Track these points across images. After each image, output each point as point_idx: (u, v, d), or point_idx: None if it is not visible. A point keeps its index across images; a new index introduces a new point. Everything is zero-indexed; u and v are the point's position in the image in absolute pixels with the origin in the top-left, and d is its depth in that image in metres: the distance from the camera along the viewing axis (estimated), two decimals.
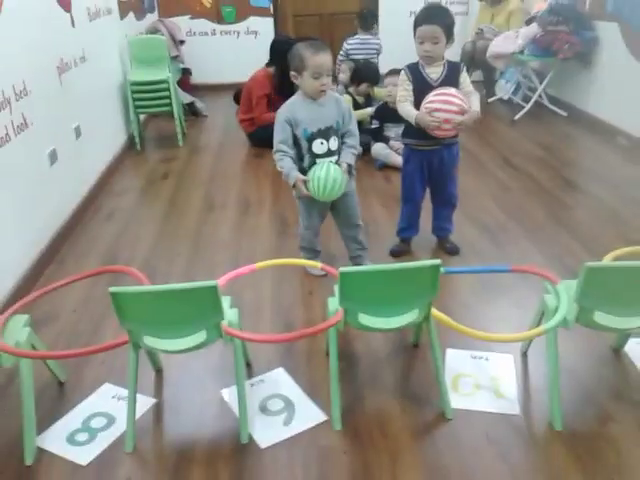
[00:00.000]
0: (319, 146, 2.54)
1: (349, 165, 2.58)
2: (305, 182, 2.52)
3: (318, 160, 2.54)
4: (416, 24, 2.61)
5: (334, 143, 2.56)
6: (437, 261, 1.75)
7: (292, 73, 2.51)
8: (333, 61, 2.60)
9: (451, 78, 2.68)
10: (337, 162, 2.57)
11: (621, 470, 1.73)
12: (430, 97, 2.60)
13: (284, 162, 2.54)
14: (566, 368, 2.06)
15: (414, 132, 2.72)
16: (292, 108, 2.54)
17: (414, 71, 2.70)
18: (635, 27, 4.37)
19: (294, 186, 2.56)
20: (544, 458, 1.77)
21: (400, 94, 2.75)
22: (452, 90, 2.60)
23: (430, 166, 2.82)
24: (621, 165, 4.18)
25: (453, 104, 2.55)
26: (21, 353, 1.83)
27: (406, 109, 2.71)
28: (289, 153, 2.54)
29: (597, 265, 1.72)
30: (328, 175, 2.47)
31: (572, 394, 2.01)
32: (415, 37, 2.62)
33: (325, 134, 2.53)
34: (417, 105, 2.67)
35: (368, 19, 5.53)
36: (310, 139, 2.53)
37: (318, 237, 2.88)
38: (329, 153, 2.56)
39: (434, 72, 2.67)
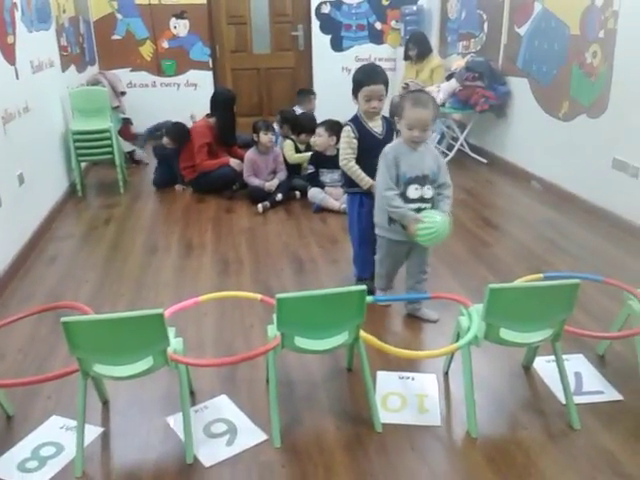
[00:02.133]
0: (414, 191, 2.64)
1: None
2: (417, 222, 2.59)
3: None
4: (362, 84, 2.81)
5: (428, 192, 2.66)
6: (363, 287, 1.98)
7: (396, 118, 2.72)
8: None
9: (390, 132, 2.93)
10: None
11: (529, 470, 1.96)
12: None
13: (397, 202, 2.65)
14: (482, 383, 2.31)
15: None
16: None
17: (359, 126, 2.88)
18: (541, 83, 4.87)
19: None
20: (461, 461, 2.00)
21: (347, 153, 2.90)
22: None
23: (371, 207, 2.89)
24: (535, 207, 4.59)
25: None
26: None
27: (357, 173, 2.89)
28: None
29: (498, 286, 1.98)
30: (444, 226, 2.58)
31: (487, 405, 2.25)
32: (359, 96, 2.82)
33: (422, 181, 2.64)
34: (363, 159, 2.85)
35: (306, 95, 5.88)
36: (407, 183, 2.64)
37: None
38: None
39: (376, 126, 2.89)
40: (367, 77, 2.82)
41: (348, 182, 3.02)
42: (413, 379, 2.43)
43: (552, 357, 2.22)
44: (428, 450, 2.04)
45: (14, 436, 2.15)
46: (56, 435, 2.15)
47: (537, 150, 5.03)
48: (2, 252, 3.38)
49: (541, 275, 2.62)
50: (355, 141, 2.87)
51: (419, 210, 2.63)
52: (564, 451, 2.03)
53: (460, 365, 2.19)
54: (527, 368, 2.48)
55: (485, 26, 5.80)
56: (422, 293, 2.86)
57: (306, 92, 6.01)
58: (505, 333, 2.08)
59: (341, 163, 2.95)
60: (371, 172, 2.82)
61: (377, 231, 2.85)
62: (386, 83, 2.84)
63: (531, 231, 4.06)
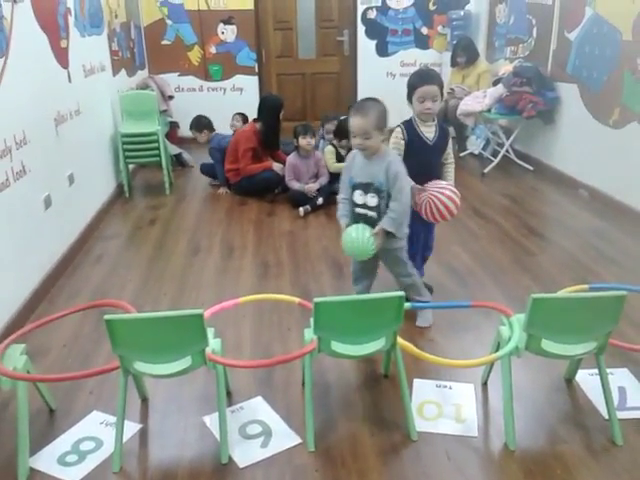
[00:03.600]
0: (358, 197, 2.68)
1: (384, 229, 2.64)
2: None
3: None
4: (415, 85, 2.79)
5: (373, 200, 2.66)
6: (401, 293, 1.96)
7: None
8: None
9: (442, 140, 2.89)
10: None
11: None
12: (438, 189, 2.79)
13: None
14: (521, 394, 2.26)
15: None
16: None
17: (410, 129, 2.84)
18: (591, 89, 4.75)
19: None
20: (498, 473, 1.96)
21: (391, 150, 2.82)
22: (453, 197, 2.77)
23: (413, 215, 2.82)
24: (582, 215, 4.47)
25: (448, 208, 2.76)
26: (19, 376, 1.98)
27: None
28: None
29: (542, 296, 1.94)
30: (352, 245, 2.62)
31: (525, 417, 2.20)
32: (413, 98, 2.80)
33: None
34: (410, 162, 2.74)
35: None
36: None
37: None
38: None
39: (429, 131, 2.85)
40: (420, 78, 2.82)
41: None
42: (450, 388, 2.39)
43: (595, 370, 2.16)
44: (464, 461, 2.01)
45: (56, 430, 2.22)
46: (96, 430, 2.20)
47: (585, 157, 4.90)
48: (51, 250, 3.49)
49: (586, 286, 2.56)
50: (403, 142, 2.84)
51: (365, 216, 2.67)
52: (605, 467, 1.97)
53: (499, 375, 2.14)
54: (569, 381, 2.42)
55: (534, 31, 5.69)
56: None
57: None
58: (547, 344, 2.03)
59: None
60: (416, 177, 2.77)
61: None
62: (440, 85, 2.81)
63: (577, 240, 3.96)
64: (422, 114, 2.82)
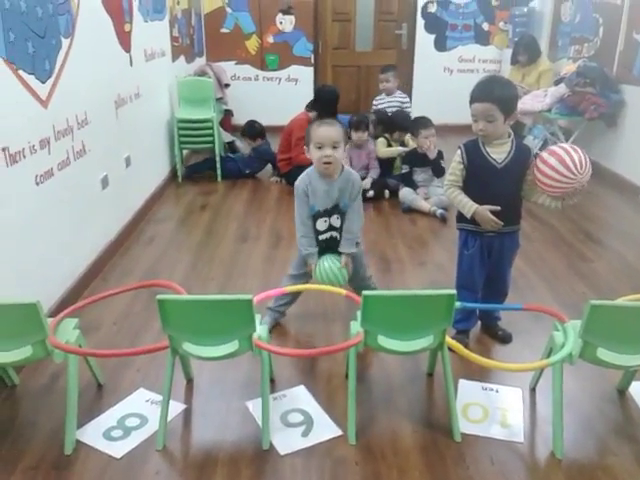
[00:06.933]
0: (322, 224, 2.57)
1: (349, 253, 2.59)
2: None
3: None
4: (470, 101, 2.36)
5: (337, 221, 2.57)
6: (452, 291, 1.92)
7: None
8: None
9: (517, 163, 2.39)
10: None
11: None
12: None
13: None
14: (571, 402, 2.19)
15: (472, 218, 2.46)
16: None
17: (472, 151, 2.41)
18: None
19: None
20: None
21: (449, 179, 2.51)
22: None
23: (490, 251, 2.52)
24: None
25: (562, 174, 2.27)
26: (72, 349, 2.03)
27: (458, 199, 2.46)
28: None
29: (600, 303, 1.86)
30: (322, 275, 2.55)
31: (574, 426, 2.13)
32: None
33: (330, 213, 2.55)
34: (472, 188, 2.44)
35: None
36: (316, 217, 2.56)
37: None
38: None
39: (497, 152, 2.37)
40: (472, 93, 2.36)
41: (458, 215, 2.58)
42: (497, 391, 2.34)
43: None
44: (509, 466, 1.95)
45: (102, 404, 2.27)
46: (142, 407, 2.24)
47: None
48: (106, 229, 3.57)
49: None
50: (461, 166, 2.43)
51: (329, 238, 2.58)
52: None
53: (549, 382, 2.08)
54: (622, 392, 2.33)
55: (600, 31, 5.49)
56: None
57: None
58: (603, 353, 1.95)
59: (444, 189, 2.64)
60: (481, 204, 2.41)
61: None
62: (501, 101, 2.28)
63: (636, 248, 3.81)
64: (478, 135, 2.40)
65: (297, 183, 2.55)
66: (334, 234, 2.60)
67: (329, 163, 2.43)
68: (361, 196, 2.59)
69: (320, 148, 2.42)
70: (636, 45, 4.86)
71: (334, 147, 2.42)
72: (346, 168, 2.55)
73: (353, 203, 2.55)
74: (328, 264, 2.54)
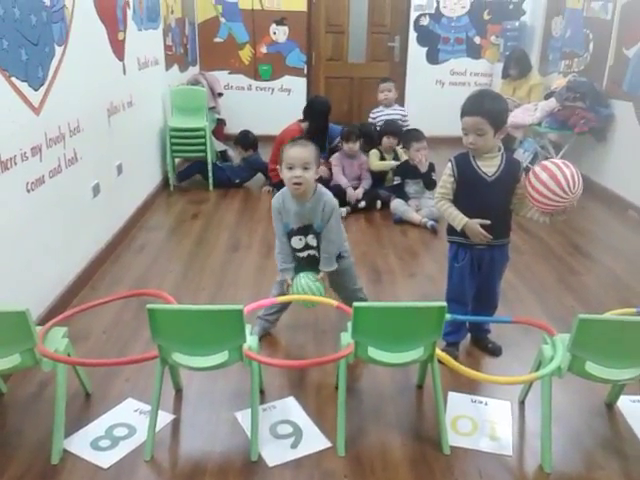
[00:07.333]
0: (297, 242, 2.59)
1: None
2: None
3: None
4: (461, 115, 2.37)
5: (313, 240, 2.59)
6: (443, 303, 1.93)
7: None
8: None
9: (507, 176, 2.40)
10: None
11: None
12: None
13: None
14: (560, 416, 2.20)
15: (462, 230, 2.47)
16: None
17: (463, 164, 2.42)
18: None
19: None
20: None
21: (439, 191, 2.52)
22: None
23: (480, 264, 2.53)
24: (631, 236, 4.34)
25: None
26: (60, 359, 2.02)
27: (448, 212, 2.47)
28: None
29: (589, 317, 1.88)
30: (304, 289, 2.52)
31: (562, 440, 2.14)
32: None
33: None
34: (462, 201, 2.45)
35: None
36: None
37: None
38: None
39: (487, 165, 2.38)
40: (463, 106, 2.37)
41: (448, 228, 2.59)
42: (486, 404, 2.34)
43: (638, 397, 2.09)
44: (497, 479, 1.96)
45: (90, 414, 2.25)
46: (130, 417, 2.23)
47: (637, 178, 4.76)
48: (96, 237, 3.56)
49: (634, 309, 2.47)
50: (451, 179, 2.44)
51: (308, 256, 2.60)
52: None
53: (538, 395, 2.09)
54: (610, 406, 2.34)
55: (591, 46, 5.57)
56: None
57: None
58: (591, 367, 1.97)
59: (434, 201, 2.66)
60: (471, 217, 2.43)
61: None
62: (491, 115, 2.29)
63: (624, 262, 3.84)
64: (468, 148, 2.41)
65: (273, 201, 2.59)
66: (312, 252, 2.62)
67: (299, 184, 2.43)
68: (338, 216, 2.59)
69: (291, 169, 2.43)
70: (626, 60, 4.92)
71: (305, 168, 2.42)
72: (320, 189, 2.54)
73: (327, 224, 2.55)
74: (305, 280, 2.54)
